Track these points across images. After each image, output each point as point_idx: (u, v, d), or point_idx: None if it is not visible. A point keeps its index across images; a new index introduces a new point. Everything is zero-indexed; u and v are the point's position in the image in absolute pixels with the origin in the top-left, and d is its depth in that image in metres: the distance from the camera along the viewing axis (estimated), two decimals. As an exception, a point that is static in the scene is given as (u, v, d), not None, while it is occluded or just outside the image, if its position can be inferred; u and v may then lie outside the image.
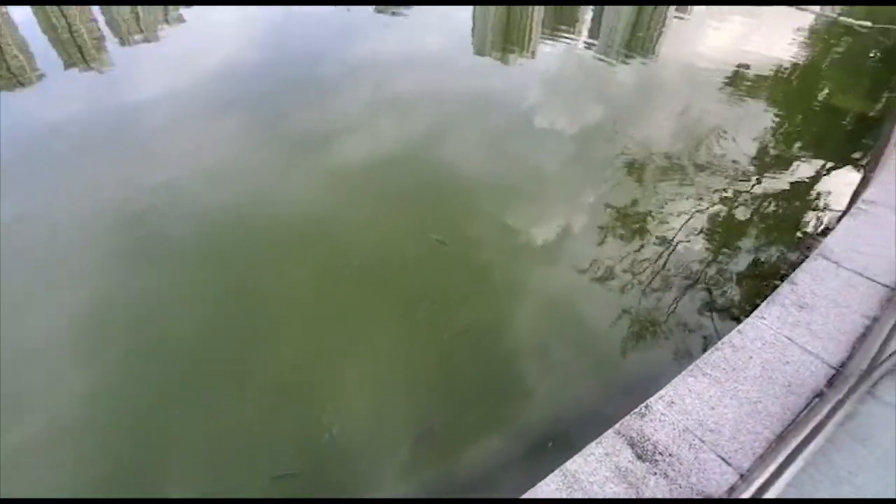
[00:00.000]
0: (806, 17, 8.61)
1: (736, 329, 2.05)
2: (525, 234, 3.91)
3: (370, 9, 9.25)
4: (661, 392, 1.84)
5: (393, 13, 9.04)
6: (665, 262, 3.61)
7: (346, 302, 3.22)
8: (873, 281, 2.33)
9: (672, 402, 1.81)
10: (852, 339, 2.03)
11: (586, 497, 1.55)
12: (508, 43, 8.03)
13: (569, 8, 10.00)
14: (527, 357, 2.89)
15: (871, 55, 7.04)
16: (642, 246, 3.75)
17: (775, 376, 1.87)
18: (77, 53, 6.99)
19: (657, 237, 3.84)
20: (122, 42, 7.44)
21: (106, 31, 7.84)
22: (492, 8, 9.55)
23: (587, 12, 9.70)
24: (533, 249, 3.77)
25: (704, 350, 2.88)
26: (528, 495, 1.57)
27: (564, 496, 1.55)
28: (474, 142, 5.09)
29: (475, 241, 3.80)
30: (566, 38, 8.18)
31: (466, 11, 9.21)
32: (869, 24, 7.29)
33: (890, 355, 1.85)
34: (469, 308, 3.20)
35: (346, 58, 6.93)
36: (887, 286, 2.30)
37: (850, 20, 7.67)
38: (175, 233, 3.77)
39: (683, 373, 1.88)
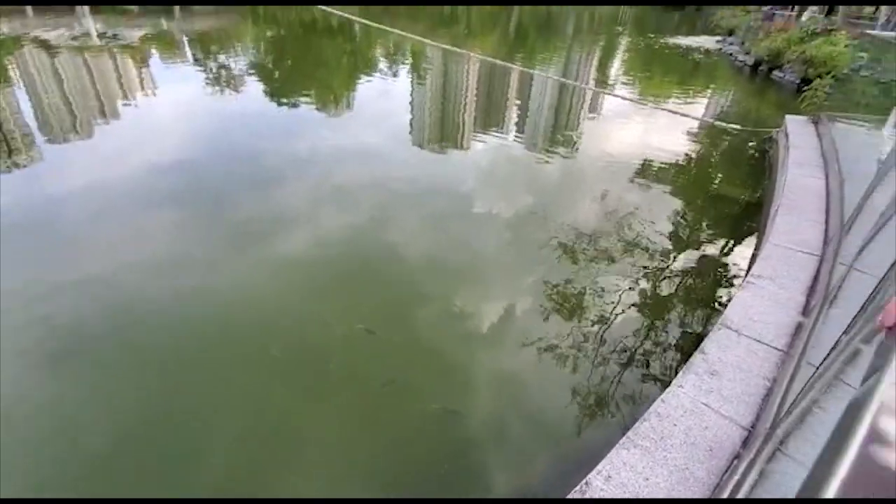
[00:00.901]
0: (691, 122, 10.11)
1: (660, 398, 2.21)
2: (468, 317, 4.03)
3: (313, 108, 9.79)
4: (599, 467, 1.91)
5: (334, 114, 9.61)
6: (601, 337, 3.84)
7: (282, 405, 3.11)
8: (768, 346, 2.63)
9: (609, 477, 1.88)
10: (758, 401, 2.25)
11: None
12: (444, 138, 8.71)
13: (497, 108, 11.10)
14: (472, 441, 2.89)
15: (748, 152, 8.29)
16: (580, 323, 3.97)
17: (698, 441, 2.01)
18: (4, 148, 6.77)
19: (593, 314, 4.10)
20: (53, 138, 7.32)
21: (34, 125, 7.71)
22: (427, 106, 10.42)
23: (514, 112, 10.80)
24: (476, 332, 3.88)
25: (635, 419, 3.06)
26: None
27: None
28: (415, 228, 5.34)
29: (419, 325, 3.88)
30: (496, 135, 9.01)
31: (405, 112, 9.97)
32: (739, 126, 8.66)
33: (788, 412, 2.06)
34: (416, 394, 3.20)
35: (288, 152, 7.20)
36: (779, 349, 2.60)
37: (724, 124, 9.07)
38: (93, 332, 3.55)
39: (617, 445, 1.99)
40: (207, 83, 10.73)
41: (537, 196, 6.47)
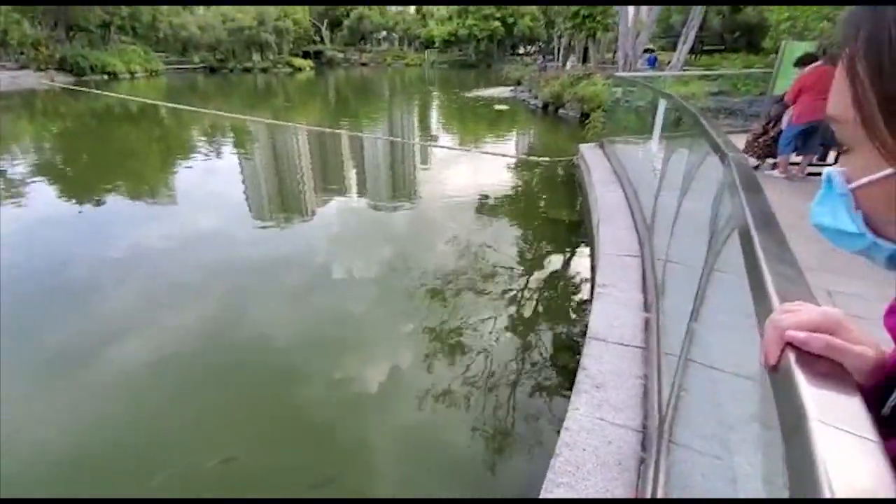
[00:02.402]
0: (508, 159, 11.38)
1: (563, 427, 2.24)
2: (353, 387, 3.72)
3: (127, 201, 8.52)
4: (531, 519, 1.82)
5: (155, 204, 8.50)
6: (488, 368, 3.85)
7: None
8: (631, 346, 2.89)
9: (543, 526, 1.80)
10: (640, 400, 2.42)
11: None
12: (287, 210, 8.29)
13: (335, 173, 11.05)
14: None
15: (559, 178, 9.57)
16: (465, 360, 3.95)
17: (607, 459, 2.06)
18: None
19: (475, 348, 4.12)
20: None
21: None
22: (262, 181, 9.88)
23: (352, 174, 10.86)
24: (364, 399, 3.58)
25: (540, 441, 3.09)
26: None
27: None
28: (275, 309, 4.84)
29: (306, 406, 3.44)
30: (340, 198, 8.90)
31: (237, 190, 9.27)
32: (547, 158, 9.99)
33: (668, 404, 2.24)
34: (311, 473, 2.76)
35: (102, 255, 6.05)
36: (640, 347, 2.88)
37: (535, 158, 10.39)
38: None
39: (542, 491, 1.92)
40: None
41: (393, 249, 6.47)
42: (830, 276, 3.17)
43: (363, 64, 72.38)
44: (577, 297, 5.10)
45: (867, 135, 0.34)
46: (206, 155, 12.27)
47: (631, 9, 18.57)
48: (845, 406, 0.40)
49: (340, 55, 73.71)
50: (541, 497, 1.92)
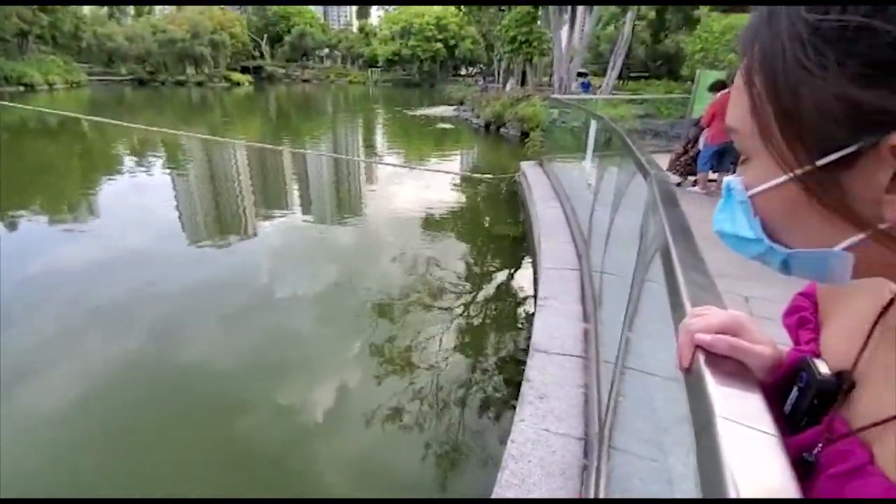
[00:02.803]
0: (453, 177, 11.55)
1: (510, 440, 2.26)
2: (300, 414, 3.56)
3: (42, 221, 7.79)
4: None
5: (75, 223, 7.83)
6: (437, 385, 3.82)
7: None
8: (572, 356, 2.99)
9: (492, 541, 1.79)
10: (582, 409, 2.50)
11: None
12: (225, 229, 7.90)
13: (277, 190, 10.72)
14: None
15: (503, 194, 9.83)
16: (414, 377, 3.90)
17: (552, 469, 2.10)
18: None
19: (424, 364, 4.09)
20: None
21: None
22: (197, 199, 9.40)
23: (295, 192, 10.57)
24: (312, 426, 3.43)
25: (489, 455, 3.10)
26: None
27: None
28: (214, 333, 4.57)
29: (248, 435, 3.24)
30: (282, 216, 8.62)
31: (170, 208, 8.74)
32: (490, 175, 10.25)
33: (607, 410, 2.32)
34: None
35: (15, 280, 5.45)
36: (581, 356, 2.98)
37: (479, 175, 10.62)
38: None
39: (489, 506, 1.92)
40: None
41: (339, 267, 6.33)
42: (747, 282, 3.45)
43: (305, 80, 71.39)
44: (522, 310, 5.22)
45: (763, 144, 0.35)
46: (135, 172, 11.51)
47: (564, 35, 19.69)
48: (748, 404, 0.43)
49: (281, 71, 72.30)
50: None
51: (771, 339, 0.50)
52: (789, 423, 0.46)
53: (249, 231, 7.84)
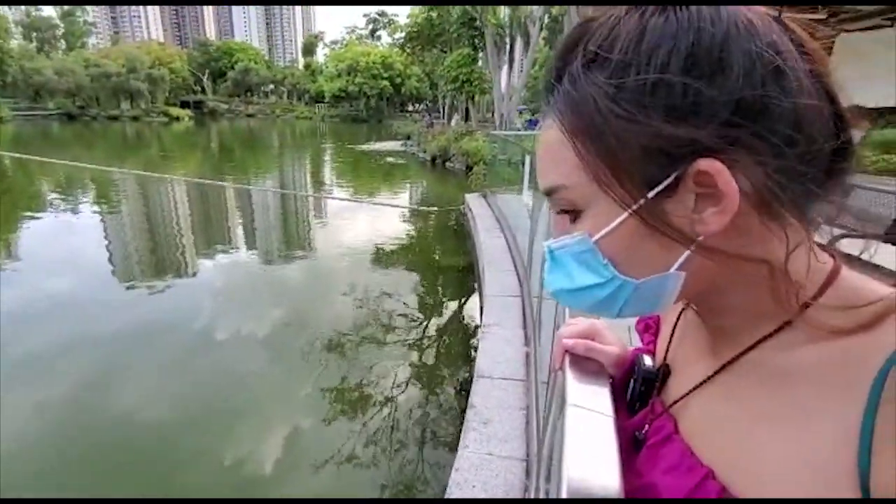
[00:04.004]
0: (402, 210, 11.71)
1: (454, 468, 2.31)
2: (246, 458, 3.41)
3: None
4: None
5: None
6: (392, 422, 3.79)
7: None
8: (513, 379, 3.11)
9: (438, 569, 1.82)
10: (523, 431, 2.60)
11: None
12: (162, 269, 7.54)
13: (220, 227, 10.39)
14: None
15: (451, 226, 10.06)
16: (366, 416, 3.85)
17: (496, 492, 2.17)
18: None
19: (377, 401, 4.05)
20: None
21: None
22: (129, 238, 8.95)
23: (239, 229, 10.29)
24: (260, 476, 3.30)
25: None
26: None
27: None
28: (151, 381, 4.31)
29: (190, 492, 3.06)
30: (226, 254, 8.35)
31: (100, 248, 8.24)
32: (437, 208, 10.51)
33: (545, 429, 2.43)
34: None
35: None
36: (521, 380, 3.11)
37: (426, 208, 10.86)
38: None
39: (435, 533, 1.95)
40: None
41: (287, 305, 6.20)
42: None
43: (250, 115, 70.32)
44: (473, 340, 5.32)
45: (601, 190, 0.39)
46: (58, 210, 10.79)
47: (504, 75, 20.82)
48: (596, 393, 0.55)
49: (224, 106, 70.90)
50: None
51: (620, 341, 0.62)
52: (629, 409, 0.58)
53: (189, 270, 7.53)
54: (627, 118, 0.35)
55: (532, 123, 22.19)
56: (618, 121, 0.36)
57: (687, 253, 0.38)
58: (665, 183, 0.36)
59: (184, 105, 62.51)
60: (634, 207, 0.37)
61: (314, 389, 4.23)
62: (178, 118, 55.91)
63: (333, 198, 13.60)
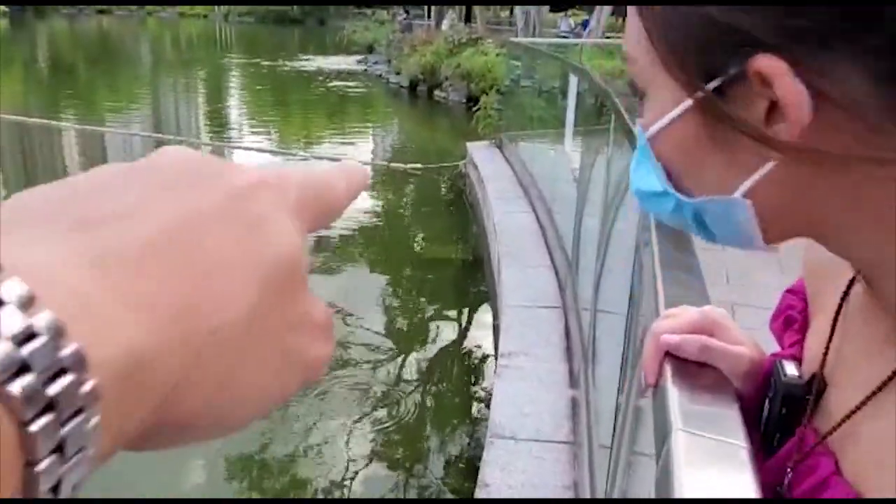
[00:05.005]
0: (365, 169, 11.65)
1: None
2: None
3: None
4: None
5: None
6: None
7: None
8: (551, 442, 3.12)
9: None
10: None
11: None
12: None
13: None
14: None
15: (441, 194, 10.05)
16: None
17: None
18: None
19: (320, 484, 4.08)
20: None
21: None
22: None
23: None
24: None
25: None
26: None
27: None
28: None
29: None
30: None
31: None
32: (420, 165, 10.47)
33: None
34: None
35: None
36: (565, 442, 3.12)
37: (402, 165, 10.84)
38: None
39: None
40: None
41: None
42: (742, 290, 3.93)
43: (102, 11, 69.72)
44: (481, 380, 5.32)
45: (662, 67, 0.46)
46: None
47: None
48: (718, 416, 0.54)
49: (58, -2, 70.18)
50: None
51: (753, 340, 0.62)
52: (764, 441, 0.57)
53: None
54: None
55: (585, 24, 22.19)
56: None
57: (763, 170, 0.43)
58: (721, 79, 0.42)
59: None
60: (699, 95, 0.44)
61: (210, 463, 4.22)
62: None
63: (245, 148, 13.51)
